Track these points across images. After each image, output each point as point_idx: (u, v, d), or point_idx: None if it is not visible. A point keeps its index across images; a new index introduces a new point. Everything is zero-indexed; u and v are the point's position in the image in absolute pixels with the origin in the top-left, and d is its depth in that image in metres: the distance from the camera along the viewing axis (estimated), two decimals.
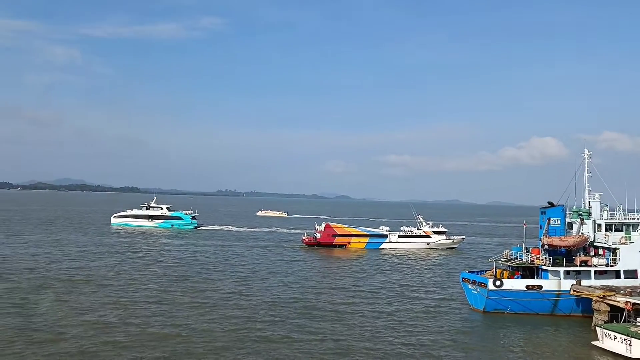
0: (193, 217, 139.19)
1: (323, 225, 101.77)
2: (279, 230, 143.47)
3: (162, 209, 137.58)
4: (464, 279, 48.99)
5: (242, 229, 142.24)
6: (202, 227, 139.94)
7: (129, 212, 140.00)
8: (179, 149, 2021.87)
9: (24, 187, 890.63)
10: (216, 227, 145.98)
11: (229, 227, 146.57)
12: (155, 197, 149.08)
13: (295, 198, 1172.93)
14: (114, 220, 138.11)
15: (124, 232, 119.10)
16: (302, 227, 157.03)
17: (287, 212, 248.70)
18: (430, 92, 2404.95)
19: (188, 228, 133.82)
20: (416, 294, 53.38)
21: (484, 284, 45.61)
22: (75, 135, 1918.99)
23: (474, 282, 47.11)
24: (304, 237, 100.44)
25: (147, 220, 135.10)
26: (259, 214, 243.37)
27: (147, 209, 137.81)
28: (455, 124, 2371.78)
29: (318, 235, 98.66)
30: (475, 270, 52.07)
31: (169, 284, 53.23)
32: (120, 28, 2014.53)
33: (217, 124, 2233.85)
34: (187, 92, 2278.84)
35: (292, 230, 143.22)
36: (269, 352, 32.01)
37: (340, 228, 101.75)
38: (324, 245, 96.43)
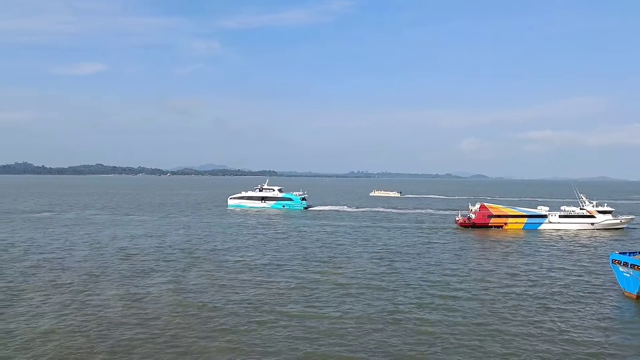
0: (303, 199, 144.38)
1: (477, 205, 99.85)
2: (391, 210, 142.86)
3: (273, 190, 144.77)
4: (614, 261, 45.21)
5: (352, 209, 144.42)
6: (312, 208, 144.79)
7: (243, 194, 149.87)
8: (313, 133, 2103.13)
9: (173, 173, 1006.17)
10: (327, 207, 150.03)
11: (339, 207, 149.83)
12: (267, 179, 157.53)
13: (428, 178, 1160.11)
14: (230, 202, 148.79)
15: (256, 213, 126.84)
16: (419, 207, 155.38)
17: (401, 192, 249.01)
18: (571, 62, 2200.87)
19: (298, 209, 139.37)
20: (569, 277, 50.96)
21: (638, 266, 41.59)
22: (216, 123, 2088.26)
23: (625, 264, 43.24)
24: (457, 218, 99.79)
25: (260, 201, 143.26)
26: (372, 194, 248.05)
27: (260, 190, 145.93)
28: (600, 96, 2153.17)
29: (473, 216, 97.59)
30: (628, 252, 47.54)
31: (312, 266, 55.11)
32: (251, 17, 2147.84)
33: (350, 106, 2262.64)
34: (319, 77, 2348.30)
35: (408, 211, 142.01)
36: (412, 338, 31.86)
37: (496, 208, 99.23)
38: (479, 226, 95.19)
